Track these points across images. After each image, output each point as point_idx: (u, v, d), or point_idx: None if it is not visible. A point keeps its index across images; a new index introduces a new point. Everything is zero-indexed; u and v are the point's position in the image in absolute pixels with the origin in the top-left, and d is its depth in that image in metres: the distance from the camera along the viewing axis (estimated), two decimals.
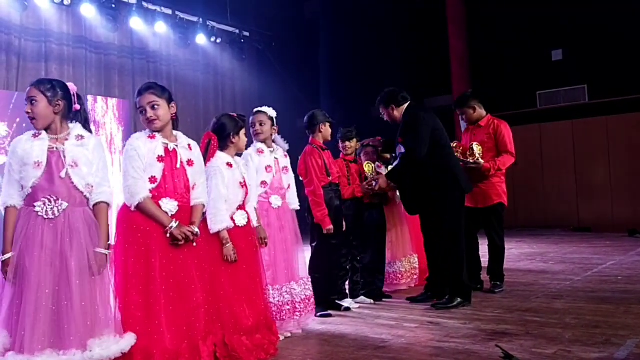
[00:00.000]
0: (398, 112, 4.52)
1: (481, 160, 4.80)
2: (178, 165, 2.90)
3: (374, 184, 4.67)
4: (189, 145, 3.00)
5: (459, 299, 4.27)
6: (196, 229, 2.87)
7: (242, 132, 3.45)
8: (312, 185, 4.27)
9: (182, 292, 2.79)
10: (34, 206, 2.50)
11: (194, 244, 2.88)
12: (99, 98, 10.37)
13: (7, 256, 2.47)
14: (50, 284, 2.43)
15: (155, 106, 2.90)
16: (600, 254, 7.07)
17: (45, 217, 2.50)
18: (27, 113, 2.60)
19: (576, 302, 4.30)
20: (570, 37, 11.13)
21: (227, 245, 3.09)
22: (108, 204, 2.68)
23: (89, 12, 9.76)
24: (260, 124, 3.77)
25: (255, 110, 3.84)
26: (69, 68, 10.04)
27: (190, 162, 2.95)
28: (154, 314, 2.70)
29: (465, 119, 5.10)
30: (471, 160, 4.80)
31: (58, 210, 2.51)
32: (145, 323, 2.69)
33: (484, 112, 5.07)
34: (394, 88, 4.60)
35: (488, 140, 4.92)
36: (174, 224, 2.78)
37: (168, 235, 2.79)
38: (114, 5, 9.99)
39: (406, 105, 4.51)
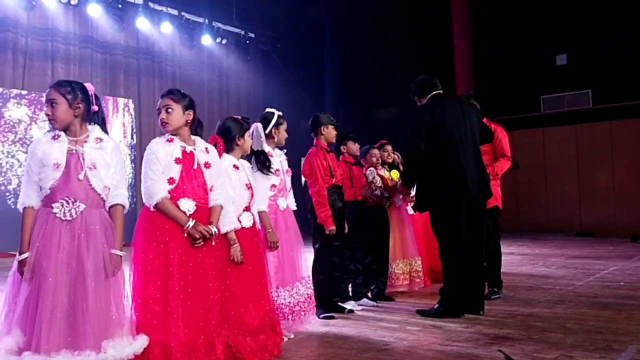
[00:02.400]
0: (421, 104, 4.41)
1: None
2: (195, 166, 2.97)
3: (378, 194, 4.77)
4: (206, 148, 3.07)
5: (446, 311, 4.09)
6: (214, 229, 2.93)
7: (247, 134, 3.49)
8: (317, 185, 4.30)
9: (199, 289, 2.84)
10: (52, 207, 2.52)
11: (213, 243, 2.94)
12: (106, 98, 10.41)
13: (24, 256, 2.48)
14: (67, 285, 2.46)
15: (169, 110, 2.97)
16: (602, 259, 7.08)
17: (62, 218, 2.52)
18: (47, 115, 2.63)
19: (578, 307, 4.31)
20: (574, 41, 11.15)
21: (235, 245, 3.13)
22: (124, 206, 2.72)
23: (95, 11, 9.83)
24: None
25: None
26: (74, 67, 10.12)
27: (207, 165, 3.02)
28: (171, 308, 2.76)
29: None
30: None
31: (75, 212, 2.54)
32: (163, 317, 2.74)
33: (480, 115, 5.06)
34: (423, 77, 4.45)
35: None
36: (190, 223, 2.84)
37: (185, 234, 2.85)
38: (120, 6, 10.07)
39: (429, 96, 4.35)
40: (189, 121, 3.02)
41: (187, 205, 2.89)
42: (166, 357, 2.69)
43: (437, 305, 4.19)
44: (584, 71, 11.10)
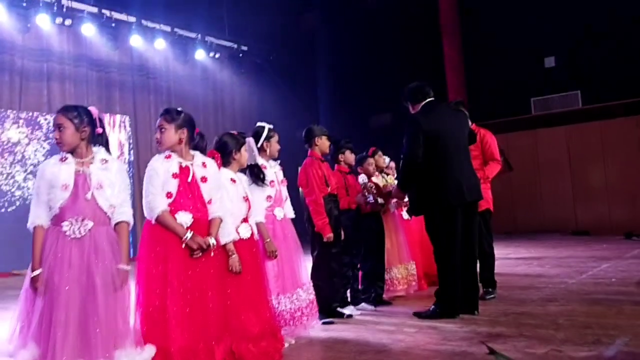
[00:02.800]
0: (414, 110, 4.51)
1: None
2: (189, 180, 3.09)
3: (371, 200, 4.89)
4: (203, 163, 3.20)
5: (442, 312, 4.21)
6: (212, 240, 3.06)
7: (243, 148, 3.62)
8: (314, 194, 4.43)
9: (198, 297, 2.97)
10: (62, 226, 2.67)
11: (212, 254, 3.07)
12: (102, 115, 10.51)
13: (36, 272, 2.62)
14: (78, 299, 2.60)
15: (162, 130, 3.15)
16: (596, 257, 7.21)
17: (72, 236, 2.67)
18: (56, 139, 2.78)
19: (570, 304, 4.44)
20: (561, 44, 11.34)
21: (233, 256, 3.26)
22: (128, 223, 2.88)
23: (89, 31, 9.96)
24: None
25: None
26: (70, 86, 10.24)
27: (203, 179, 3.14)
28: (171, 315, 2.88)
29: None
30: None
31: (84, 230, 2.69)
32: (163, 324, 2.87)
33: (469, 122, 5.16)
34: (416, 84, 4.54)
35: (474, 148, 4.97)
36: (188, 235, 2.98)
37: (184, 245, 2.98)
38: (113, 24, 10.20)
39: (424, 103, 4.45)
40: (182, 139, 3.15)
41: (184, 218, 3.02)
42: None
43: (433, 306, 4.31)
44: (572, 73, 11.28)
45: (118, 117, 11.03)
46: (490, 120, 9.60)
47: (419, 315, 4.34)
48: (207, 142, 3.49)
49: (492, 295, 4.89)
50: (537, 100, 11.80)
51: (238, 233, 3.38)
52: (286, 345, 3.59)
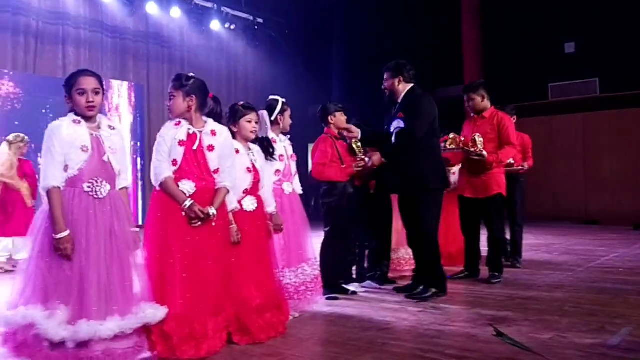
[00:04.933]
0: (402, 87, 4.46)
1: (485, 152, 4.83)
2: (194, 147, 3.07)
3: (367, 161, 4.54)
4: (213, 131, 3.14)
5: (434, 290, 4.28)
6: (211, 210, 3.01)
7: (243, 119, 3.53)
8: (313, 167, 4.44)
9: (196, 265, 2.97)
10: (82, 187, 2.71)
11: (213, 224, 3.04)
12: (115, 82, 10.51)
13: (65, 234, 2.62)
14: (104, 259, 2.68)
15: (171, 97, 3.15)
16: (604, 247, 7.17)
17: (95, 197, 2.72)
18: (90, 102, 2.76)
19: (576, 291, 4.42)
20: (583, 29, 11.12)
21: (232, 226, 3.25)
22: (128, 189, 2.98)
23: None
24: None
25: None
26: (85, 51, 10.22)
27: (210, 147, 3.10)
28: (168, 280, 2.92)
29: (471, 105, 5.12)
30: (474, 151, 4.85)
31: (105, 191, 2.76)
32: (160, 289, 2.91)
33: (489, 104, 5.11)
34: (401, 61, 4.57)
35: (491, 131, 4.98)
36: (187, 203, 2.97)
37: (183, 213, 2.98)
38: None
39: (410, 86, 4.46)
40: (191, 106, 3.12)
41: (186, 186, 3.02)
42: (164, 327, 2.83)
43: (422, 287, 4.34)
44: (591, 59, 11.07)
45: (132, 84, 11.02)
46: (506, 104, 9.45)
47: (411, 296, 4.32)
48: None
49: (497, 280, 4.89)
50: (555, 86, 11.63)
51: (241, 205, 3.36)
52: (291, 318, 3.61)
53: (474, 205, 5.01)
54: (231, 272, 3.19)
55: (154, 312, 2.78)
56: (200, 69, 11.50)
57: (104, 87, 2.89)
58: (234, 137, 3.50)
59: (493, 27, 11.82)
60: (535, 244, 7.62)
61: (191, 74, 3.20)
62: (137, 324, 2.73)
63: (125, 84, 10.88)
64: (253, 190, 3.48)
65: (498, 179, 4.98)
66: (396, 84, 4.50)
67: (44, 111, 9.62)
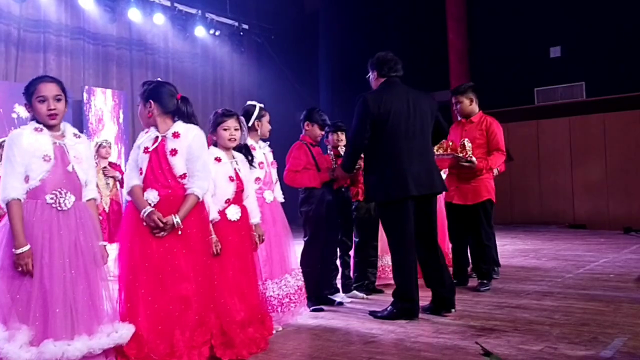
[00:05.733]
0: (375, 83, 4.14)
1: (474, 159, 4.73)
2: (151, 151, 2.94)
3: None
4: (174, 133, 2.96)
5: (399, 313, 3.84)
6: (175, 219, 2.85)
7: (220, 127, 3.41)
8: (285, 173, 4.32)
9: (160, 279, 2.83)
10: (45, 199, 2.56)
11: (179, 233, 2.89)
12: (98, 90, 10.35)
13: (25, 249, 2.48)
14: (69, 275, 2.54)
15: (138, 105, 3.08)
16: (593, 252, 7.11)
17: (58, 209, 2.58)
18: (52, 110, 2.62)
19: (566, 299, 4.33)
20: (568, 34, 11.12)
21: (211, 237, 3.13)
22: (96, 200, 2.83)
23: (87, 3, 9.77)
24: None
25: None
26: (66, 59, 10.05)
27: (173, 152, 2.93)
28: (128, 297, 2.82)
29: (459, 109, 5.00)
30: (463, 156, 4.74)
31: (69, 203, 2.61)
32: (128, 302, 2.81)
33: (477, 108, 5.00)
34: (388, 54, 4.17)
35: (480, 136, 4.87)
36: (146, 210, 2.85)
37: (144, 223, 2.86)
38: None
39: (386, 79, 4.06)
40: (150, 112, 3.00)
41: (149, 195, 2.90)
42: (123, 347, 2.71)
43: (390, 307, 3.91)
44: (577, 64, 11.07)
45: (115, 92, 10.86)
46: (493, 109, 9.42)
47: (374, 314, 3.97)
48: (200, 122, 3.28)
49: (486, 287, 4.78)
50: (541, 90, 11.62)
51: (225, 214, 3.24)
52: (273, 332, 3.49)
53: (462, 212, 4.91)
54: (214, 283, 3.06)
55: (127, 332, 2.66)
56: (185, 76, 11.39)
57: (67, 93, 2.73)
58: (215, 144, 3.39)
59: (479, 34, 11.81)
60: (524, 250, 7.55)
61: (158, 79, 3.14)
62: (109, 344, 2.59)
63: (109, 91, 10.71)
64: (236, 199, 3.37)
65: (488, 185, 4.89)
66: (372, 78, 4.20)
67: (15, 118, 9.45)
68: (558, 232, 9.98)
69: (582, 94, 11.19)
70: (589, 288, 4.76)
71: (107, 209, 6.19)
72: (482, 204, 4.84)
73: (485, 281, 4.83)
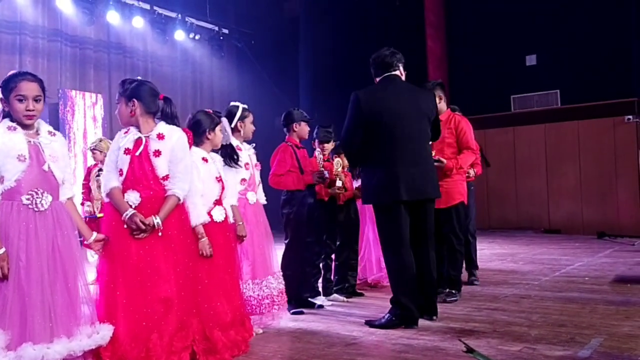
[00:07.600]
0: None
1: (443, 159, 4.46)
2: (137, 154, 2.91)
3: (325, 174, 4.46)
4: (159, 134, 2.95)
5: (395, 320, 3.69)
6: (155, 220, 2.84)
7: (218, 128, 3.46)
8: (270, 176, 4.33)
9: (139, 281, 2.81)
10: (21, 200, 2.50)
11: (160, 234, 2.87)
12: (76, 92, 10.21)
13: (0, 252, 2.42)
14: (47, 277, 2.48)
15: (118, 103, 3.05)
16: (568, 255, 7.22)
17: (35, 209, 2.51)
18: (30, 110, 2.56)
19: (543, 301, 4.40)
20: (544, 43, 11.34)
21: (203, 239, 3.10)
22: (73, 199, 2.78)
23: (64, 5, 9.64)
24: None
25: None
26: (43, 61, 9.88)
27: (156, 153, 2.92)
28: (105, 300, 2.80)
29: None
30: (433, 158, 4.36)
31: (46, 203, 2.55)
32: (106, 304, 2.79)
33: (445, 106, 4.76)
34: (386, 51, 4.06)
35: (449, 135, 4.60)
36: (127, 213, 2.83)
37: (125, 225, 2.83)
38: None
39: (382, 77, 3.97)
40: (133, 111, 2.97)
41: (130, 196, 2.87)
42: (100, 349, 2.68)
43: (387, 314, 3.76)
44: (552, 72, 11.29)
45: (92, 95, 10.73)
46: (470, 116, 9.50)
47: (370, 324, 3.78)
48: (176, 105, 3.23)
49: (454, 298, 4.46)
50: (517, 98, 11.81)
51: (211, 216, 3.22)
52: (254, 334, 3.47)
53: (436, 216, 4.57)
54: (199, 286, 3.04)
55: (109, 333, 2.64)
56: (164, 80, 11.29)
57: (45, 92, 2.66)
58: (200, 145, 3.37)
59: (457, 42, 11.97)
60: (501, 253, 7.64)
61: (138, 78, 3.09)
62: (90, 345, 2.55)
63: (87, 94, 10.58)
64: (221, 200, 3.37)
65: (460, 187, 4.61)
66: (375, 82, 4.05)
67: None
68: (534, 237, 10.12)
69: (557, 101, 11.41)
70: (565, 290, 4.83)
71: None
72: (455, 207, 4.54)
73: (454, 291, 4.51)
